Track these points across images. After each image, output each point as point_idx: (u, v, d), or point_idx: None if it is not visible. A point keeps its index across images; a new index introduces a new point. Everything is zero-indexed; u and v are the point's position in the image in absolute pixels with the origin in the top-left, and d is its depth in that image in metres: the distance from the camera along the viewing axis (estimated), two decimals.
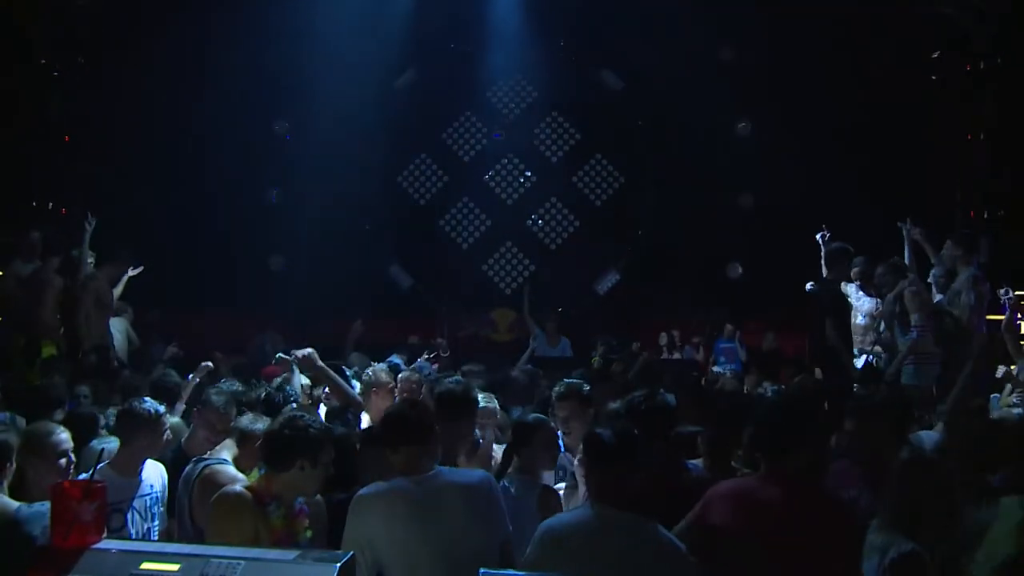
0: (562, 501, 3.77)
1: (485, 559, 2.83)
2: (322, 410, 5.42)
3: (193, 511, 3.81)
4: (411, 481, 3.04)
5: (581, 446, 3.33)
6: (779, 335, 11.31)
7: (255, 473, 3.32)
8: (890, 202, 10.25)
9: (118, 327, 8.70)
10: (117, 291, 8.55)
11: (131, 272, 8.76)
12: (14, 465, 3.37)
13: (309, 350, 4.97)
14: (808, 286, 8.13)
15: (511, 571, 2.68)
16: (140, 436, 3.90)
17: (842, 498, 3.40)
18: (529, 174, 13.18)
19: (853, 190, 10.69)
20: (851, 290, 7.76)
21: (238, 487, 3.20)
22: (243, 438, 3.89)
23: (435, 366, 7.63)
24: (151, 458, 4.02)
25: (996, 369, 6.45)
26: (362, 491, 3.04)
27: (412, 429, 3.14)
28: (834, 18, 10.60)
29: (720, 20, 11.62)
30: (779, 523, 2.91)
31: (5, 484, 3.32)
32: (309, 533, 3.22)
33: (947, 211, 10.75)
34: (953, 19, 10.14)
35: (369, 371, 5.32)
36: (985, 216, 10.56)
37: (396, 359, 7.26)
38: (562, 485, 3.99)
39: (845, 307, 7.63)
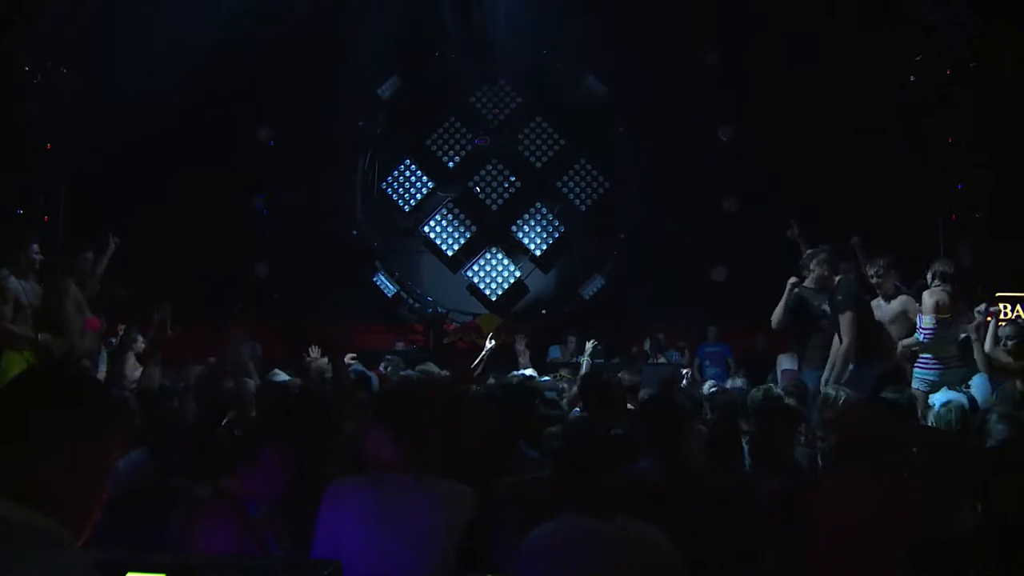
0: None
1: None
2: None
3: None
4: (385, 478, 2.92)
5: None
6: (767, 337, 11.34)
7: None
8: (871, 205, 10.36)
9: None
10: (100, 270, 8.22)
11: (110, 250, 8.41)
12: None
13: None
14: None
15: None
16: None
17: None
18: (514, 179, 13.17)
19: (835, 192, 10.75)
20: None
21: (216, 494, 3.15)
22: None
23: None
24: None
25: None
26: (336, 481, 2.95)
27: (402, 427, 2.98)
28: (816, 22, 10.66)
29: (703, 24, 11.69)
30: None
31: None
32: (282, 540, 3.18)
33: (928, 214, 10.85)
34: (935, 24, 10.22)
35: None
36: (966, 219, 10.65)
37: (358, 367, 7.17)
38: None
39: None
